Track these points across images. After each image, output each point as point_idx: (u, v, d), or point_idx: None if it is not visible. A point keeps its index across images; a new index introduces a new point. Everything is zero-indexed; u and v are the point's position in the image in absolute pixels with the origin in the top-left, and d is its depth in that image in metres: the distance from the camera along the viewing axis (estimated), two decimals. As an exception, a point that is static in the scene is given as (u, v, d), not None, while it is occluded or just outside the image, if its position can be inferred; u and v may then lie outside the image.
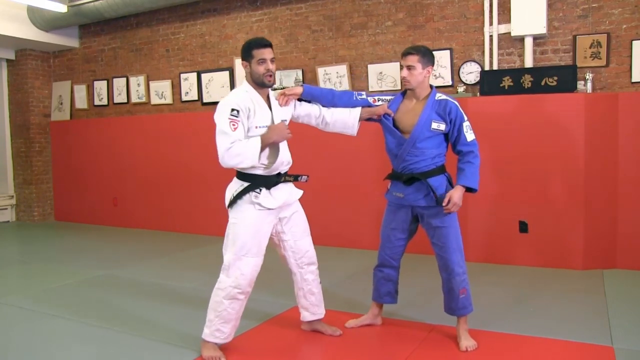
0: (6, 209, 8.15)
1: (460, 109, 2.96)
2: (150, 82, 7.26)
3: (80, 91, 7.93)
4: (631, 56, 4.69)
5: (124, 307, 3.80)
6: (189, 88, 6.92)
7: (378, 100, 3.13)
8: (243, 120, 2.75)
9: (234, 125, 2.71)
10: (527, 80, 4.76)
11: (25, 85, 7.92)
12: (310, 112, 3.10)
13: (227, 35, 6.67)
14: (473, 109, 4.89)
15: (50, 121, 8.19)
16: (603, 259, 4.64)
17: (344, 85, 5.85)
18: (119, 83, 7.55)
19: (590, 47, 4.81)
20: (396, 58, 5.64)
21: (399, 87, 5.62)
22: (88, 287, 4.38)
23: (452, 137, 2.98)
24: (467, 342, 2.95)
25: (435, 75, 5.43)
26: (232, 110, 2.72)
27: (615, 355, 2.81)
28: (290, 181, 2.97)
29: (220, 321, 2.82)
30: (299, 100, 3.08)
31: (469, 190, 2.94)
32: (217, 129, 2.73)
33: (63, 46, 7.87)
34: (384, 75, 5.68)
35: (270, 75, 2.82)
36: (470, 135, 2.94)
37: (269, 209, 2.84)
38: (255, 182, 2.82)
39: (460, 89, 5.20)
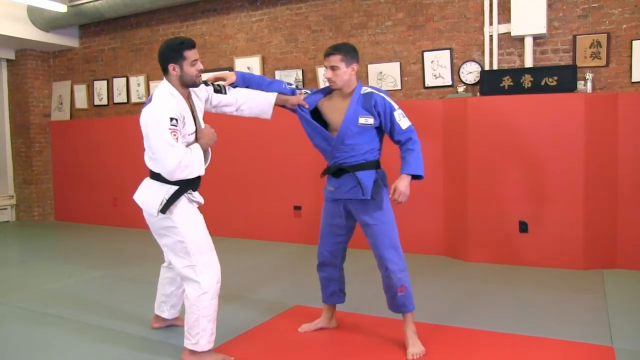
0: (6, 208, 8.15)
1: (388, 99, 2.89)
2: (150, 82, 7.26)
3: (80, 91, 7.93)
4: (631, 56, 4.69)
5: (124, 307, 3.80)
6: (189, 88, 6.91)
7: (304, 93, 3.10)
8: (180, 128, 2.63)
9: (175, 135, 2.58)
10: (527, 80, 4.76)
11: (25, 85, 7.93)
12: (226, 103, 3.05)
13: (227, 35, 6.67)
14: (473, 109, 4.89)
15: (50, 121, 8.19)
16: (603, 259, 4.64)
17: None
18: (119, 83, 7.55)
19: (590, 47, 4.81)
20: (396, 58, 5.64)
21: (399, 87, 5.63)
22: (88, 287, 4.38)
23: (386, 129, 2.90)
24: (414, 349, 2.86)
25: (435, 75, 5.43)
26: (172, 119, 2.58)
27: (615, 355, 2.81)
28: None
29: (212, 324, 2.79)
30: (216, 89, 3.03)
31: (415, 177, 2.87)
32: (157, 140, 2.58)
33: (63, 46, 7.87)
34: (384, 75, 5.67)
35: (200, 76, 2.77)
36: (404, 123, 2.86)
37: (201, 204, 2.92)
38: (185, 184, 2.75)
39: (460, 88, 5.20)
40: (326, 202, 3.12)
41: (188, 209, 2.80)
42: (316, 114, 3.08)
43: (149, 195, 2.77)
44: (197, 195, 2.90)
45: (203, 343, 2.76)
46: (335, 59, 2.87)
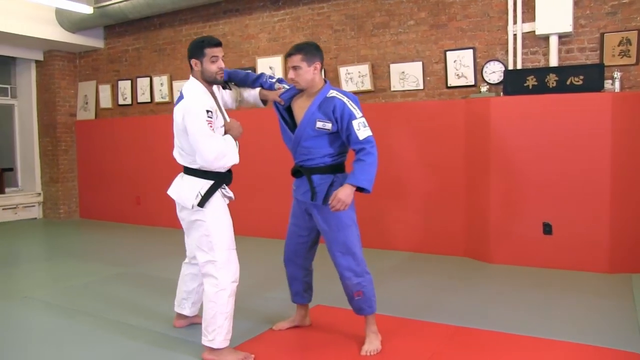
0: (34, 206, 8.32)
1: (351, 105, 2.80)
2: (173, 82, 7.33)
3: (105, 91, 8.04)
4: (661, 54, 4.58)
5: (146, 303, 3.85)
6: (212, 88, 6.96)
7: (283, 88, 3.11)
8: (214, 120, 2.77)
9: (211, 127, 2.72)
10: (551, 80, 4.67)
11: (53, 85, 8.08)
12: (232, 98, 3.22)
13: (249, 35, 6.70)
14: (496, 109, 4.83)
15: (75, 120, 8.33)
16: (631, 262, 4.52)
17: (366, 85, 5.83)
18: (143, 83, 7.64)
19: (619, 45, 4.70)
20: (419, 57, 5.60)
21: (421, 87, 5.58)
22: (111, 283, 4.44)
23: (343, 136, 2.84)
24: (368, 347, 2.91)
25: (458, 75, 5.37)
26: (207, 111, 2.72)
27: (643, 361, 2.75)
28: None
29: (229, 321, 2.82)
30: (223, 86, 3.19)
31: (360, 190, 2.77)
32: (196, 132, 2.69)
33: (88, 47, 7.99)
34: (406, 75, 5.63)
35: (222, 73, 2.88)
36: (363, 133, 2.77)
37: (233, 199, 2.99)
38: (219, 178, 2.85)
39: (483, 88, 5.13)
40: (293, 200, 3.13)
41: (220, 205, 2.88)
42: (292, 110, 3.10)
43: (185, 190, 2.86)
44: (229, 191, 2.97)
45: (219, 340, 2.79)
46: (297, 59, 2.85)
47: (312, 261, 3.21)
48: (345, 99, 2.83)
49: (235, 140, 2.90)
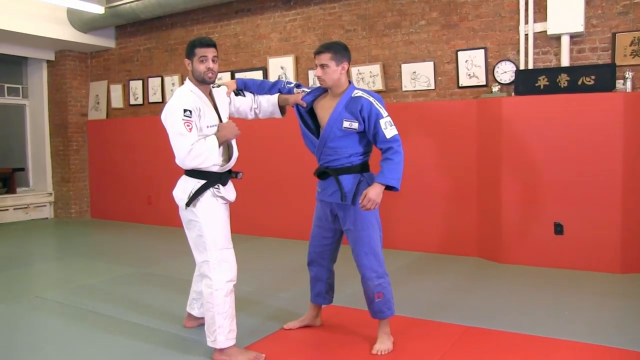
0: (45, 206, 8.38)
1: (377, 105, 2.83)
2: (184, 82, 7.34)
3: (116, 91, 8.09)
4: (674, 54, 4.55)
5: (157, 303, 3.87)
6: (222, 88, 6.98)
7: (302, 92, 3.11)
8: (195, 120, 2.77)
9: (188, 126, 2.72)
10: (563, 80, 4.66)
11: (64, 85, 8.14)
12: (247, 106, 3.21)
13: (260, 35, 6.72)
14: (507, 109, 4.82)
15: (87, 120, 8.39)
16: (642, 263, 4.51)
17: (377, 85, 5.82)
18: (154, 83, 7.68)
19: (630, 45, 4.67)
20: (430, 57, 5.59)
21: (432, 87, 5.57)
22: (122, 283, 4.47)
23: (370, 135, 2.86)
24: (380, 346, 2.91)
25: (469, 75, 5.36)
26: (185, 111, 2.73)
27: (656, 362, 2.74)
28: (233, 177, 3.03)
29: (229, 320, 2.81)
30: (236, 93, 3.19)
31: (389, 188, 2.81)
32: (171, 131, 2.75)
33: (100, 47, 8.05)
34: (418, 75, 5.63)
35: (212, 73, 2.86)
36: (390, 132, 2.80)
37: (230, 201, 2.97)
38: (212, 179, 2.85)
39: (495, 88, 5.12)
40: (317, 203, 3.14)
41: (212, 204, 2.86)
42: (314, 113, 3.09)
43: (179, 189, 2.91)
44: (224, 191, 2.93)
45: (221, 340, 2.79)
46: (325, 57, 2.88)
47: (335, 262, 3.22)
48: (371, 99, 2.85)
49: (225, 141, 2.87)
